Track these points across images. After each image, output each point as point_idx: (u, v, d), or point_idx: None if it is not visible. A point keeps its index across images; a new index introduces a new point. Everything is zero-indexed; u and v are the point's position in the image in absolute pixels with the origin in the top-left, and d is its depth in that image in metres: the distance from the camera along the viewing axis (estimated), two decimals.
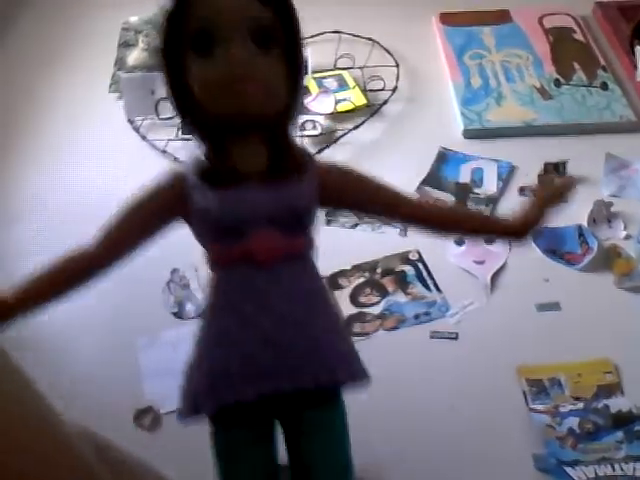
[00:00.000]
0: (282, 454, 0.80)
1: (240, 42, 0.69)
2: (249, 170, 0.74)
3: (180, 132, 1.64)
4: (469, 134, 1.67)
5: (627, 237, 1.44)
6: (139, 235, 0.78)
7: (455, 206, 0.86)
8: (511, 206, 1.51)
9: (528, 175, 1.56)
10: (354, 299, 1.36)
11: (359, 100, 1.71)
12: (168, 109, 1.67)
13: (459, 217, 0.90)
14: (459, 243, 1.44)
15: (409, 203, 0.84)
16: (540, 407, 1.19)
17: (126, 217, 0.76)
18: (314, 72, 1.78)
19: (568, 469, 1.10)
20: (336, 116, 1.69)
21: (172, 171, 0.78)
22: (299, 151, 0.79)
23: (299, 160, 0.77)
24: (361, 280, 1.39)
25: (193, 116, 0.75)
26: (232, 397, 0.74)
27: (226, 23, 0.69)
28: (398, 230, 1.46)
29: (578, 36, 1.90)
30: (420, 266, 1.40)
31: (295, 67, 0.75)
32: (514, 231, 0.85)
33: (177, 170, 0.77)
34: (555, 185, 0.89)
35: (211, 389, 0.75)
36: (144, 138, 1.66)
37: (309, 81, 1.75)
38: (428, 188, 1.55)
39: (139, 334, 1.31)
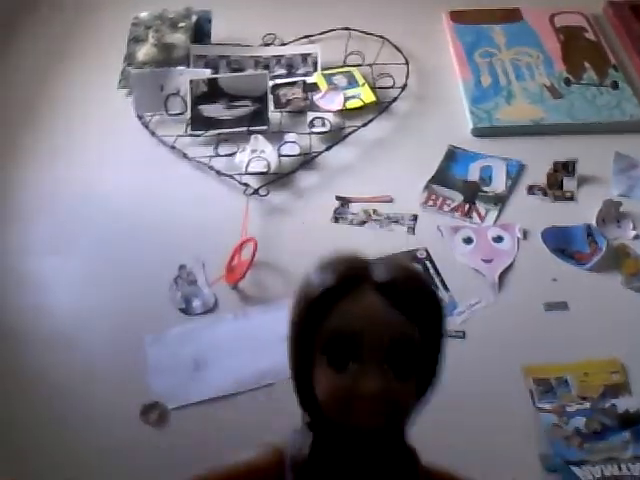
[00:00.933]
0: None
1: (377, 368, 0.64)
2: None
3: (188, 128, 1.65)
4: (478, 132, 1.66)
5: (636, 237, 1.44)
6: None
7: None
8: (520, 205, 1.51)
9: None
10: None
11: (368, 97, 1.71)
12: (177, 105, 1.68)
13: None
14: (467, 241, 1.44)
15: None
16: (547, 406, 1.19)
17: None
18: (323, 69, 1.79)
19: (575, 468, 1.10)
20: (345, 113, 1.68)
21: (271, 452, 0.72)
22: (409, 454, 0.74)
23: (409, 466, 0.73)
24: None
25: (311, 408, 0.70)
26: None
27: (369, 342, 0.64)
28: (406, 228, 1.46)
29: (589, 35, 1.89)
30: (428, 264, 1.40)
31: (428, 386, 0.70)
32: None
33: (275, 454, 0.71)
34: None
35: None
36: (153, 134, 1.66)
37: (319, 77, 1.75)
38: (436, 186, 1.54)
39: (146, 330, 1.31)
